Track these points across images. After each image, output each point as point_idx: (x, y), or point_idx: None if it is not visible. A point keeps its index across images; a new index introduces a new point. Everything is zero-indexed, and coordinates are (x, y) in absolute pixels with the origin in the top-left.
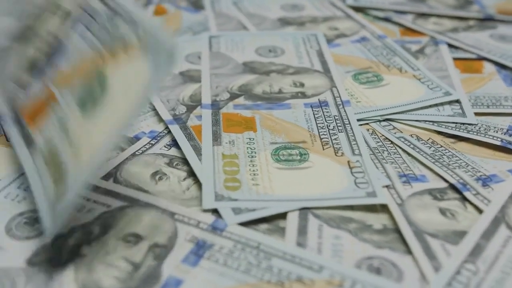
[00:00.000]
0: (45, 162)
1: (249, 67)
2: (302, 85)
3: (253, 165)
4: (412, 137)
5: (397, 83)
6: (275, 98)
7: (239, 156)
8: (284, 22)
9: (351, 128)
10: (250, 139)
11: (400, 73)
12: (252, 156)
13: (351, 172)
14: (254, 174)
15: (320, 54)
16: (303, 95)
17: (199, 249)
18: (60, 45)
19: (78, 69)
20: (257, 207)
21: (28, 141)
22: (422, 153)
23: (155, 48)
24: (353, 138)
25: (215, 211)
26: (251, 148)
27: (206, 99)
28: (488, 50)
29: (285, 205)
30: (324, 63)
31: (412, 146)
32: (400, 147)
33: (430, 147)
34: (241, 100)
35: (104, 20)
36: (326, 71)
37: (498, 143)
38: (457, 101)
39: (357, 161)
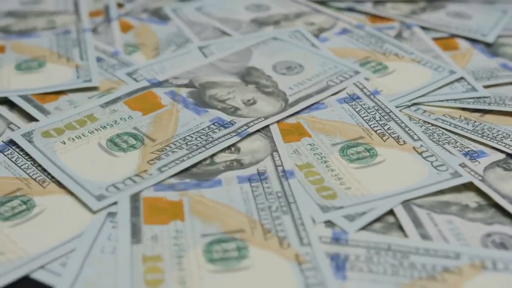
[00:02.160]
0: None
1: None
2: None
3: (181, 270)
4: (446, 116)
5: (402, 69)
6: (206, 173)
7: (163, 258)
8: (259, 23)
9: (297, 208)
10: (177, 231)
11: (398, 59)
12: (180, 257)
13: (301, 270)
14: (183, 283)
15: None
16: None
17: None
18: None
19: None
20: None
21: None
22: (465, 130)
23: None
24: (300, 222)
25: None
26: (178, 245)
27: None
28: (455, 27)
29: None
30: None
31: (453, 125)
32: (443, 128)
33: (468, 123)
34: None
35: None
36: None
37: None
38: (461, 78)
39: (307, 253)
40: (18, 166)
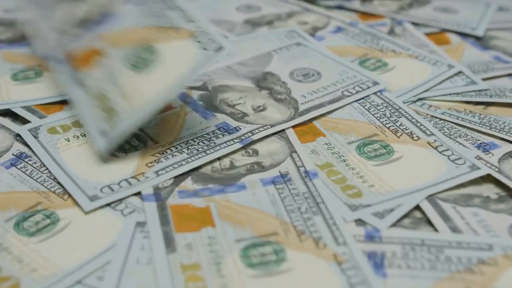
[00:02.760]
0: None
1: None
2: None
3: (221, 276)
4: (451, 110)
5: (402, 65)
6: (228, 178)
7: (201, 266)
8: (253, 23)
9: (326, 208)
10: (210, 238)
11: (396, 55)
12: (218, 263)
13: (341, 270)
14: None
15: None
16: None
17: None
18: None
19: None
20: None
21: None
22: (473, 123)
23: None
24: (332, 221)
25: None
26: (213, 252)
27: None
28: (444, 22)
29: None
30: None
31: (460, 118)
32: (452, 122)
33: (474, 116)
34: (188, 184)
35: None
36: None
37: None
38: (459, 72)
39: (344, 252)
40: (34, 179)
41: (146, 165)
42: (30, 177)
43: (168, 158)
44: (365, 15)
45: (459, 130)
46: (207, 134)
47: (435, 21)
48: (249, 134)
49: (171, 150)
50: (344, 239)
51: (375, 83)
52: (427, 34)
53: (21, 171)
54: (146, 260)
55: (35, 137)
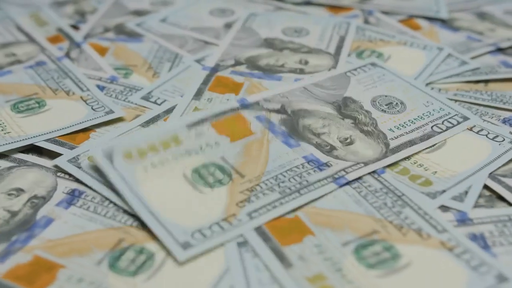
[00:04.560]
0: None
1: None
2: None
3: (349, 282)
4: (460, 91)
5: (396, 53)
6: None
7: (325, 275)
8: (229, 27)
9: (410, 199)
10: (316, 246)
11: (385, 44)
12: (339, 270)
13: (456, 255)
14: None
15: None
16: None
17: None
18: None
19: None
20: None
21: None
22: (486, 100)
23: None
24: (422, 212)
25: None
26: (328, 259)
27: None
28: (407, 8)
29: None
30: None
31: (473, 97)
32: (467, 102)
33: (482, 94)
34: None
35: None
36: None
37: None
38: (449, 54)
39: (449, 239)
40: (102, 216)
41: (237, 204)
42: (96, 213)
43: (259, 196)
44: (334, 8)
45: (478, 109)
46: (296, 167)
47: (400, 8)
48: (343, 172)
49: (261, 187)
50: (443, 226)
51: (465, 118)
52: (399, 22)
53: (84, 209)
54: (267, 279)
55: (111, 162)
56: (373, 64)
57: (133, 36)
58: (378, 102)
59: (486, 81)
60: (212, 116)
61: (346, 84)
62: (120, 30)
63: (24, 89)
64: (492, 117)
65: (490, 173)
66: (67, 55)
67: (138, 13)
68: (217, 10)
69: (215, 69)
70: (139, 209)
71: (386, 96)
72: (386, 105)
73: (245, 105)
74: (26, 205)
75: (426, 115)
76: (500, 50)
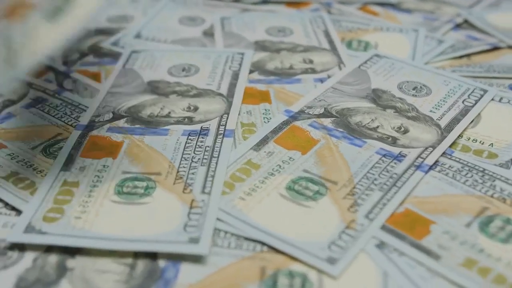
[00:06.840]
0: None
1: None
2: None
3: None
4: (455, 67)
5: (380, 40)
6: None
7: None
8: (212, 34)
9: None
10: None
11: (364, 32)
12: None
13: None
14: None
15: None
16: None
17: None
18: None
19: None
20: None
21: None
22: (481, 72)
23: None
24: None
25: None
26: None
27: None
28: None
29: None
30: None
31: (470, 71)
32: (468, 76)
33: (474, 67)
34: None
35: None
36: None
37: (489, 47)
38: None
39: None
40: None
41: (348, 210)
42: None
43: (363, 198)
44: (292, 4)
45: (481, 81)
46: (377, 164)
47: None
48: (420, 159)
49: (360, 189)
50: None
51: (484, 90)
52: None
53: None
54: (426, 274)
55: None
56: (377, 56)
57: (114, 56)
58: (406, 88)
59: (468, 55)
60: (270, 134)
61: (367, 77)
62: (98, 52)
63: None
64: (500, 86)
65: None
66: (60, 86)
67: (101, 32)
68: (186, 18)
69: (294, 116)
70: (263, 237)
71: (408, 82)
72: (413, 89)
73: (292, 116)
74: None
75: (452, 93)
76: (457, 26)
